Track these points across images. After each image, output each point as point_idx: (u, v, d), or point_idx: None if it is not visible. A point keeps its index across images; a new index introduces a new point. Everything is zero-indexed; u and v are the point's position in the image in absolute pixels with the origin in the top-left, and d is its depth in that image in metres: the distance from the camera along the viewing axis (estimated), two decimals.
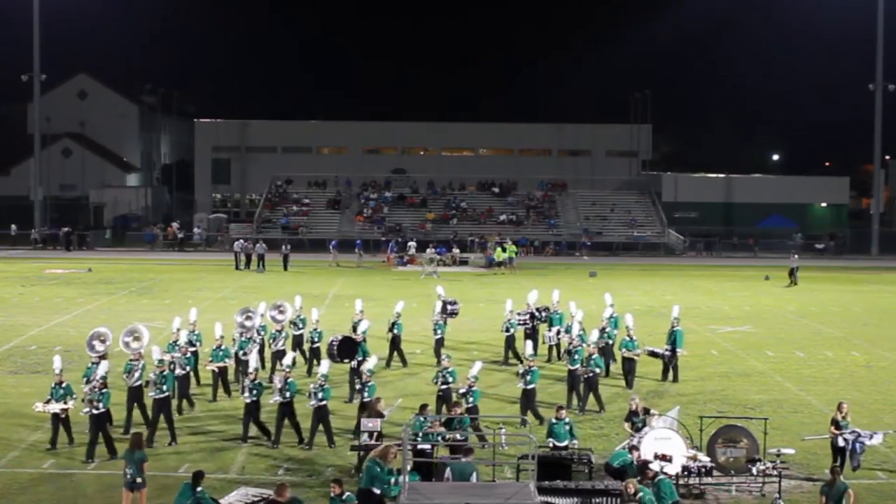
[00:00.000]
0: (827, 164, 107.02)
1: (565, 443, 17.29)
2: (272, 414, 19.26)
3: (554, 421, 17.57)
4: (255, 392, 18.85)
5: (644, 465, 14.57)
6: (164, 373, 19.11)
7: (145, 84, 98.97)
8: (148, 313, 34.69)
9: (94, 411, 17.73)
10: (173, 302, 37.84)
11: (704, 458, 16.53)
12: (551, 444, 17.30)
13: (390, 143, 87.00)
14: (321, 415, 18.62)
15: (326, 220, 72.65)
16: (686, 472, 16.20)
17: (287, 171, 78.66)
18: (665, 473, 14.68)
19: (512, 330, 26.78)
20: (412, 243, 59.75)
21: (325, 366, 19.90)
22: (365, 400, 18.98)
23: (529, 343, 22.97)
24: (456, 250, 59.22)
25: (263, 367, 23.59)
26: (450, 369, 20.33)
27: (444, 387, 20.04)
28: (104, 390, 18.10)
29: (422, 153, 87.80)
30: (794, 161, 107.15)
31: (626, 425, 17.92)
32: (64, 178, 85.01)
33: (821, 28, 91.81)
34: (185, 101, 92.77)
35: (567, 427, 17.50)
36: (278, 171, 78.51)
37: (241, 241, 56.43)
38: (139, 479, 14.95)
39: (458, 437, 16.92)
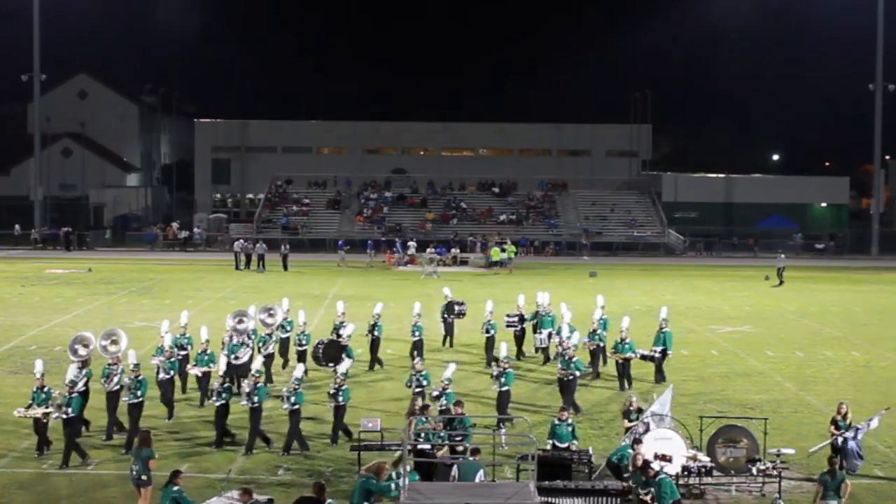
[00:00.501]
0: (827, 164, 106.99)
1: (567, 444, 17.30)
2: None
3: (556, 422, 17.58)
4: (223, 396, 18.69)
5: (645, 464, 14.60)
6: (140, 377, 18.86)
7: (145, 84, 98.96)
8: (148, 313, 34.71)
9: (64, 416, 17.57)
10: (173, 302, 37.84)
11: (704, 458, 16.53)
12: (551, 444, 17.31)
13: (390, 143, 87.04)
14: (294, 419, 18.49)
15: (326, 220, 72.68)
16: (686, 472, 16.21)
17: (287, 171, 78.68)
18: (665, 473, 14.70)
19: (493, 332, 26.42)
20: (412, 243, 59.84)
21: (299, 369, 19.86)
22: (340, 403, 18.86)
23: (504, 345, 22.68)
24: (455, 250, 59.28)
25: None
26: (423, 372, 20.18)
27: (418, 389, 19.80)
28: (73, 395, 17.96)
29: (422, 153, 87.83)
30: (794, 161, 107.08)
31: (625, 422, 17.93)
32: (64, 178, 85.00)
33: (821, 28, 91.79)
34: (185, 101, 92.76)
35: (569, 428, 17.51)
36: (278, 171, 78.53)
37: (241, 241, 56.47)
38: (144, 477, 14.96)
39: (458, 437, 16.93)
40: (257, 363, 20.40)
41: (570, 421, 17.71)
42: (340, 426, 19.06)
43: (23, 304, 37.73)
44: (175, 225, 71.19)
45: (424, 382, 19.95)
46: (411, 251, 57.88)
